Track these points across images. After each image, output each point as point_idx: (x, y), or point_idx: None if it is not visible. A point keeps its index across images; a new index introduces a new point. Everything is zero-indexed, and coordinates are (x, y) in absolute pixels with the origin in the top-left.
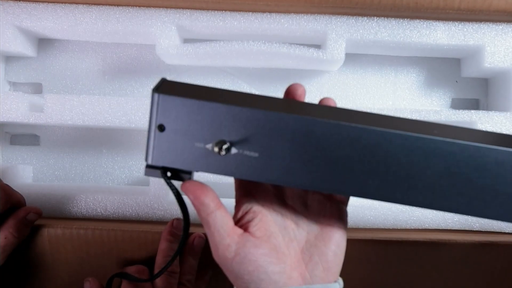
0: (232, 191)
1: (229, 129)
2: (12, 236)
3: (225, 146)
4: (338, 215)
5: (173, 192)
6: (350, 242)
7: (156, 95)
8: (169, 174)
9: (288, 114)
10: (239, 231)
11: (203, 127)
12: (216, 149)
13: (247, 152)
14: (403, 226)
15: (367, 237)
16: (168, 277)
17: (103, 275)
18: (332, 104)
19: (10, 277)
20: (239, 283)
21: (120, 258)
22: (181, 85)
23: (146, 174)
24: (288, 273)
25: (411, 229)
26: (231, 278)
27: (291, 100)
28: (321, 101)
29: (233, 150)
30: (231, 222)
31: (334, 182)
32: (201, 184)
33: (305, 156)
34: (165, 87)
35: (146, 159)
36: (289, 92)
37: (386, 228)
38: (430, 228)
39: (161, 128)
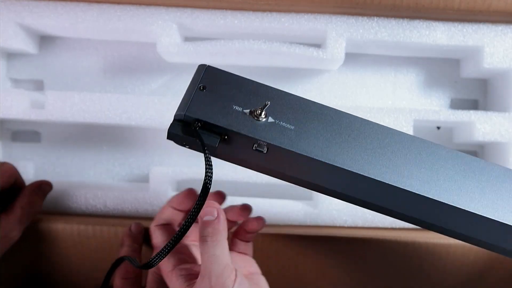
0: (234, 189)
1: (270, 102)
2: (29, 206)
3: (263, 113)
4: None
5: (202, 147)
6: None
7: (202, 66)
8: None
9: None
10: None
11: (245, 96)
12: (254, 114)
13: (283, 123)
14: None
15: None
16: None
17: (102, 270)
18: None
19: (11, 273)
20: None
21: (119, 253)
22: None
23: (170, 129)
24: None
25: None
26: None
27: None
28: None
29: (270, 119)
30: None
31: (360, 165)
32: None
33: (337, 138)
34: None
35: (179, 110)
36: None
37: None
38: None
39: (202, 88)
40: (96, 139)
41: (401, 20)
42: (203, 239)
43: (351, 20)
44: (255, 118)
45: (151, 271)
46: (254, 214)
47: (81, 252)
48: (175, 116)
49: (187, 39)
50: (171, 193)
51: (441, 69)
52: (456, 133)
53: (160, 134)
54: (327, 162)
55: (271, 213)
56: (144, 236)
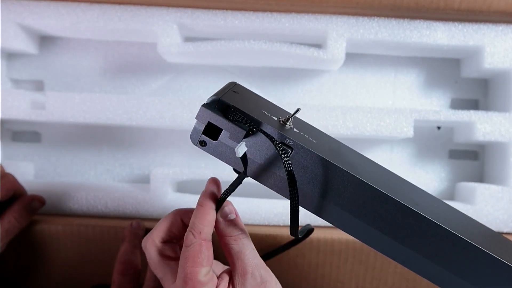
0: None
1: (297, 114)
2: (15, 221)
3: (290, 121)
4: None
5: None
6: (270, 238)
7: (232, 82)
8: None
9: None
10: None
11: (272, 107)
12: (282, 120)
13: (307, 136)
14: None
15: None
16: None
17: (103, 272)
18: None
19: (11, 273)
20: None
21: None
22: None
23: (200, 112)
24: None
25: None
26: None
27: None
28: None
29: (295, 129)
30: None
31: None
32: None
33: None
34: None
35: (213, 96)
36: None
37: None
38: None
39: (235, 91)
40: (97, 139)
41: (402, 20)
42: (236, 237)
43: (352, 20)
44: (282, 123)
45: (149, 268)
46: (255, 214)
47: (82, 253)
48: (208, 99)
49: (187, 39)
50: (172, 194)
51: (442, 69)
52: (457, 133)
53: (161, 134)
54: (350, 172)
55: (272, 213)
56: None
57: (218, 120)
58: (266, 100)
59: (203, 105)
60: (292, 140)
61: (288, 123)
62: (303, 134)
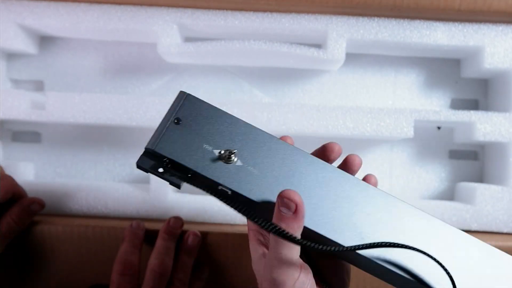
0: None
1: (241, 143)
2: (14, 223)
3: (233, 156)
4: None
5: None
6: None
7: (182, 93)
8: (160, 170)
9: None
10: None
11: (217, 134)
12: (223, 156)
13: (250, 168)
14: None
15: None
16: (158, 279)
17: (103, 272)
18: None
19: (11, 274)
20: None
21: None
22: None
23: (139, 162)
24: None
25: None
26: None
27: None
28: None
29: (239, 162)
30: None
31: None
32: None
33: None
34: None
35: (149, 144)
36: (325, 151)
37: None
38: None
39: (177, 121)
40: (97, 139)
41: (402, 20)
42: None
43: (352, 21)
44: (224, 161)
45: (149, 268)
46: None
47: (82, 254)
48: (145, 148)
49: (187, 39)
50: (172, 194)
51: (442, 69)
52: (457, 133)
53: None
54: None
55: None
56: (145, 236)
57: (154, 173)
58: (215, 114)
59: (137, 164)
60: (228, 188)
61: (230, 159)
62: (247, 166)
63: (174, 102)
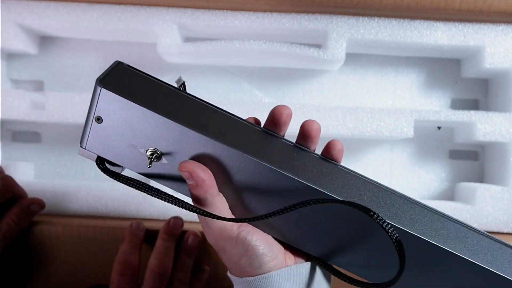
0: None
1: (165, 141)
2: (14, 224)
3: (156, 155)
4: None
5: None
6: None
7: (98, 88)
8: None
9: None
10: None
11: (140, 132)
12: (148, 155)
13: (175, 164)
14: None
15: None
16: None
17: (103, 273)
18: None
19: (11, 274)
20: (235, 266)
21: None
22: (134, 75)
23: (79, 153)
24: (280, 258)
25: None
26: (228, 262)
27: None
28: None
29: (163, 160)
30: (228, 210)
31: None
32: (204, 166)
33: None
34: (113, 77)
35: (81, 143)
36: (273, 116)
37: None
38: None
39: (98, 120)
40: None
41: (402, 20)
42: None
43: (352, 21)
44: (149, 159)
45: (149, 268)
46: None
47: (81, 254)
48: (80, 145)
49: (187, 39)
50: (172, 194)
51: (442, 69)
52: (457, 133)
53: None
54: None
55: None
56: (145, 236)
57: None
58: (137, 110)
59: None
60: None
61: (153, 158)
62: (172, 163)
63: (92, 96)
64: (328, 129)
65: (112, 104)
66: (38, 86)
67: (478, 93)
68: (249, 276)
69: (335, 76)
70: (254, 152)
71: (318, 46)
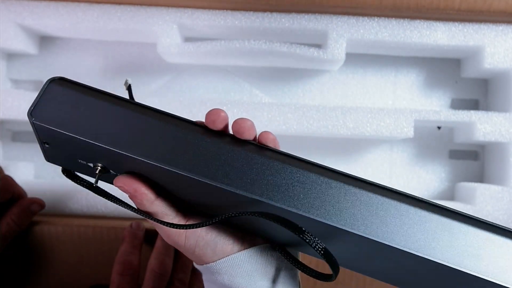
0: None
1: (100, 160)
2: (14, 224)
3: (101, 170)
4: None
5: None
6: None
7: (31, 119)
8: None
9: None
10: (183, 219)
11: (81, 152)
12: (96, 171)
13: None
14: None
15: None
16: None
17: (103, 273)
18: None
19: (11, 274)
20: (193, 257)
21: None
22: (66, 94)
23: (49, 161)
24: (237, 243)
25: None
26: (187, 254)
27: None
28: (261, 135)
29: (112, 172)
30: (173, 209)
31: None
32: (134, 177)
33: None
34: (44, 104)
35: (45, 158)
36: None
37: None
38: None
39: (45, 143)
40: None
41: (402, 20)
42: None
43: (352, 20)
44: (98, 173)
45: (149, 268)
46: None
47: (81, 254)
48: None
49: (187, 39)
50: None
51: (442, 69)
52: (457, 133)
53: None
54: None
55: None
56: (145, 236)
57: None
58: (70, 138)
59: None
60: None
61: (100, 173)
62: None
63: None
64: (328, 129)
65: (47, 131)
66: (38, 86)
67: (478, 93)
68: (208, 263)
69: (335, 76)
70: (164, 160)
71: (318, 46)
